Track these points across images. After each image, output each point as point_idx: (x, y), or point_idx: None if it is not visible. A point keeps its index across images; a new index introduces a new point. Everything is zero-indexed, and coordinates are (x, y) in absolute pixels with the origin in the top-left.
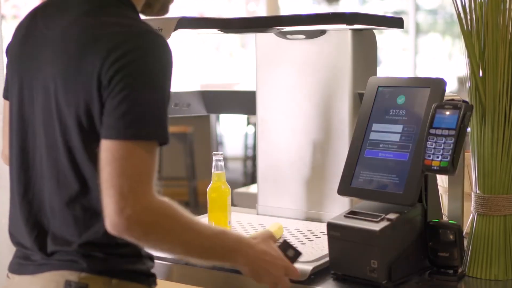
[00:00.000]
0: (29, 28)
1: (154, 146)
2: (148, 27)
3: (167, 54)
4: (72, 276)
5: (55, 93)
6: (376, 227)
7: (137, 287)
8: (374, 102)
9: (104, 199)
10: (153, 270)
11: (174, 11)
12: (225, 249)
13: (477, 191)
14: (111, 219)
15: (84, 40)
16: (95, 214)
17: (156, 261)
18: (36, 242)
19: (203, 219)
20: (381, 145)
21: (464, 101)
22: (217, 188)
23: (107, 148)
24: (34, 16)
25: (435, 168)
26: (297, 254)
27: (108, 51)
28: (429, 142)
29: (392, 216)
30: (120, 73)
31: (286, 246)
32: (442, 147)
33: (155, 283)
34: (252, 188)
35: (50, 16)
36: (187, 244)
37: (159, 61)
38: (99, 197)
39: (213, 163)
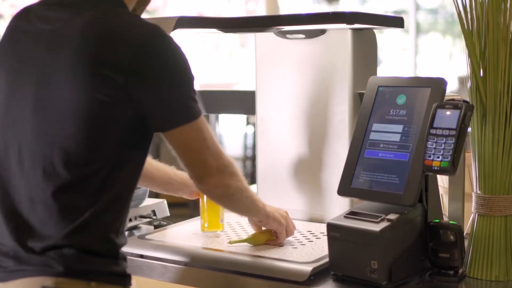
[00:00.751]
0: (23, 24)
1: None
2: (155, 26)
3: (178, 48)
4: (48, 281)
5: (56, 85)
6: (376, 227)
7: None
8: (374, 102)
9: (197, 169)
10: (149, 272)
11: (173, 10)
12: (259, 205)
13: (478, 192)
14: (212, 179)
15: (102, 40)
16: (79, 207)
17: (155, 262)
18: (14, 237)
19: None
20: (381, 145)
21: (464, 101)
22: None
23: (177, 135)
24: (27, 14)
25: (436, 168)
26: None
27: (133, 51)
28: (429, 142)
29: (392, 216)
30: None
31: None
32: (442, 147)
33: (130, 283)
34: (252, 189)
35: (48, 14)
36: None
37: (177, 54)
38: (87, 191)
39: None
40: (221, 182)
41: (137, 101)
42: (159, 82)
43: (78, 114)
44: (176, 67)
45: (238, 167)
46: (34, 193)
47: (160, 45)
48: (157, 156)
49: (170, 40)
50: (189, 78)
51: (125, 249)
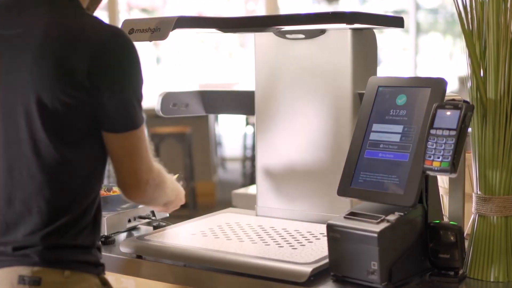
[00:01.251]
0: None
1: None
2: (116, 27)
3: (136, 51)
4: (25, 271)
5: (22, 88)
6: (376, 228)
7: (88, 277)
8: (374, 102)
9: (128, 178)
10: (148, 273)
11: (173, 10)
12: (174, 191)
13: (478, 192)
14: (138, 192)
15: (64, 41)
16: (57, 209)
17: (154, 262)
18: None
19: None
20: (381, 146)
21: (465, 101)
22: None
23: (120, 139)
24: None
25: (436, 168)
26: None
27: (95, 52)
28: (429, 143)
29: (392, 217)
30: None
31: (179, 179)
32: (442, 147)
33: (103, 272)
34: (251, 189)
35: (6, 17)
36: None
37: (136, 56)
38: (62, 192)
39: None
40: (145, 195)
41: (97, 101)
42: (115, 84)
43: (44, 116)
44: (131, 70)
45: (164, 171)
46: (13, 193)
47: (119, 47)
48: (157, 156)
49: (129, 42)
50: (141, 83)
51: (124, 250)
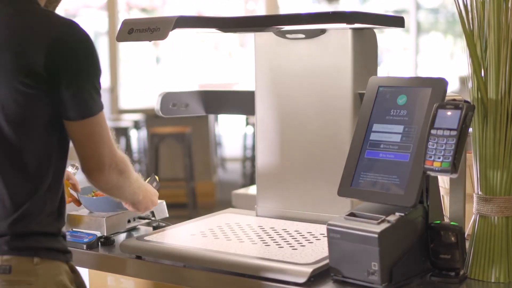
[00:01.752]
0: None
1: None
2: (72, 21)
3: (92, 42)
4: None
5: None
6: (377, 228)
7: (57, 264)
8: (375, 102)
9: (91, 162)
10: (148, 273)
11: (172, 10)
12: (139, 197)
13: (479, 192)
14: (103, 176)
15: (21, 36)
16: (20, 196)
17: (154, 263)
18: None
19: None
20: (381, 146)
21: (465, 101)
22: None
23: (80, 127)
24: None
25: (437, 169)
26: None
27: (51, 45)
28: (430, 143)
29: (393, 217)
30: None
31: (151, 181)
32: (443, 147)
33: (71, 259)
34: (251, 190)
35: None
36: (131, 183)
37: (91, 47)
38: (27, 179)
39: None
40: (109, 179)
41: (55, 91)
42: (71, 75)
43: (5, 106)
44: (87, 61)
45: (129, 162)
46: None
47: (74, 39)
48: (156, 156)
49: (84, 34)
50: (98, 72)
51: (124, 250)
